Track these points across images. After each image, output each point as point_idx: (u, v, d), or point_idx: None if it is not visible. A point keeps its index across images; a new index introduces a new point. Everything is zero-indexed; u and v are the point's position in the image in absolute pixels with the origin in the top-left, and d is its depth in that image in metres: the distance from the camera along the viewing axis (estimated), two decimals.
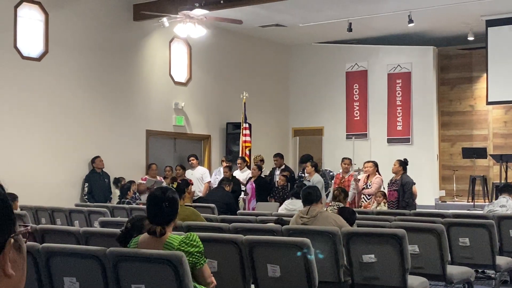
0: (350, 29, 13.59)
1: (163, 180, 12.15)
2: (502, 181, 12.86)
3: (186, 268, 3.69)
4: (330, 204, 7.78)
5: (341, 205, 7.42)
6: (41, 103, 11.06)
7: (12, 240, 1.35)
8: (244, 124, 13.74)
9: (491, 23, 13.74)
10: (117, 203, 10.94)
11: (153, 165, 12.36)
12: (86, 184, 11.56)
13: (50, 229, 6.09)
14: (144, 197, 11.35)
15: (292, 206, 8.98)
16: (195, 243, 3.82)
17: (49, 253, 4.27)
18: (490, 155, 14.20)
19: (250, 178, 12.17)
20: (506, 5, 12.68)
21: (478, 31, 14.25)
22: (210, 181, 12.84)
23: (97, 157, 11.70)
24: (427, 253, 6.01)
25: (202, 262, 3.84)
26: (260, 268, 4.98)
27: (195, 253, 3.81)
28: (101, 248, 4.05)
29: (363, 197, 11.00)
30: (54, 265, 4.28)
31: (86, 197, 11.46)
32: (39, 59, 11.13)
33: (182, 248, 3.79)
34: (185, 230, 5.82)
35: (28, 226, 1.39)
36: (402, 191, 10.38)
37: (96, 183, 11.61)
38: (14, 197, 8.28)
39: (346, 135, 15.90)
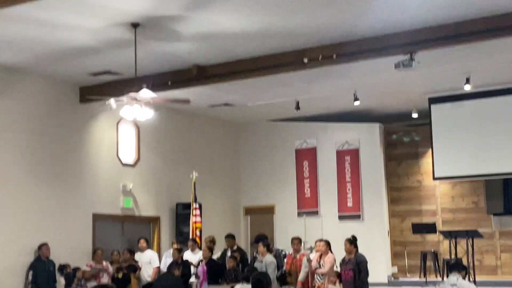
0: (297, 107, 13.72)
1: (109, 266, 11.79)
2: (452, 257, 12.93)
3: None
4: None
5: None
6: None
7: None
8: (194, 204, 13.59)
9: (434, 100, 14.07)
10: None
11: (98, 251, 11.94)
12: (31, 272, 11.14)
13: None
14: (90, 284, 10.98)
15: None
16: None
17: None
18: (440, 231, 14.28)
19: (201, 260, 11.93)
20: (447, 83, 13.02)
21: (422, 108, 14.58)
22: (159, 266, 12.55)
23: (44, 244, 11.31)
24: None
25: None
26: None
27: None
28: None
29: (317, 277, 10.88)
30: None
31: (30, 286, 11.02)
32: None
33: None
34: None
35: None
36: (358, 270, 10.29)
37: (41, 271, 11.19)
38: None
39: (298, 212, 15.84)
